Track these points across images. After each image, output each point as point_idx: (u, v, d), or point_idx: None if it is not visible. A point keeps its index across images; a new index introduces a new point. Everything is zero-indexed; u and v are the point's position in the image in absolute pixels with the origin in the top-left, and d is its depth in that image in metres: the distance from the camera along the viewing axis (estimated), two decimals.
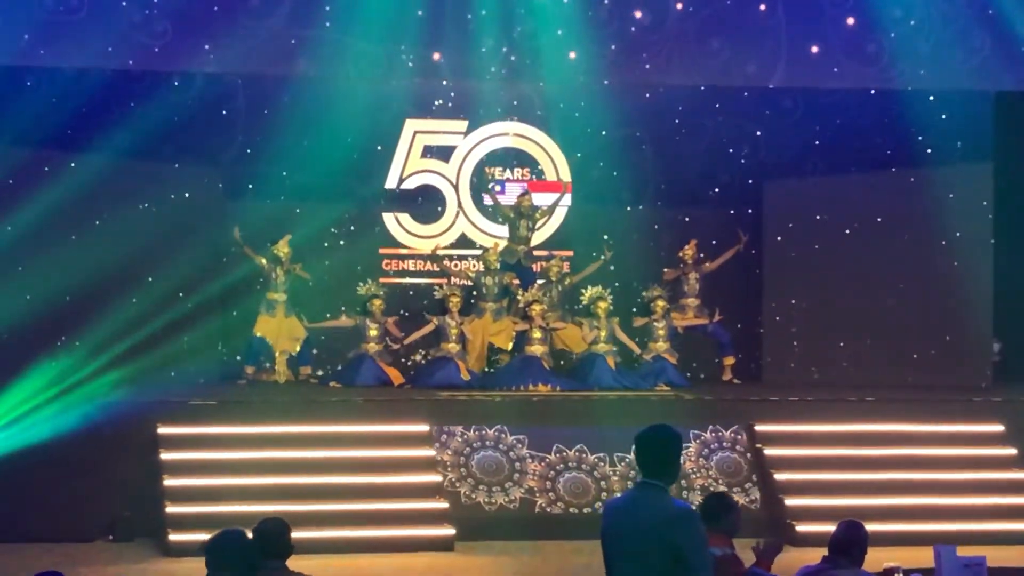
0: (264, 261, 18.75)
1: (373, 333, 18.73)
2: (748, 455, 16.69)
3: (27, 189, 17.44)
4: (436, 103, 20.05)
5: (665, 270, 19.79)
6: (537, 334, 18.57)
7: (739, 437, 16.79)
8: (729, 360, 19.81)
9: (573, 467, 16.45)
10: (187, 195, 18.74)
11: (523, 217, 19.54)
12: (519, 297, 18.97)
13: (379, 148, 20.03)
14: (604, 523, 7.31)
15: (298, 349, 18.94)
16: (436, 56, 17.79)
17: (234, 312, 19.21)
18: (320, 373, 19.29)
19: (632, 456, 16.19)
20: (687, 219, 20.36)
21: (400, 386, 18.50)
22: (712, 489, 15.82)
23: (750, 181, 20.28)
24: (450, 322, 18.69)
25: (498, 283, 19.20)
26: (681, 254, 19.75)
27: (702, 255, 19.87)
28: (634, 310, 19.63)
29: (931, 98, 19.14)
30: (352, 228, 20.00)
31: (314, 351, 19.26)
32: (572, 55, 17.98)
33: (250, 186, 19.50)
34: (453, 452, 16.40)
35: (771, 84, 18.50)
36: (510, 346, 18.92)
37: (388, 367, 18.69)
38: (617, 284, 19.65)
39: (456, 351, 18.59)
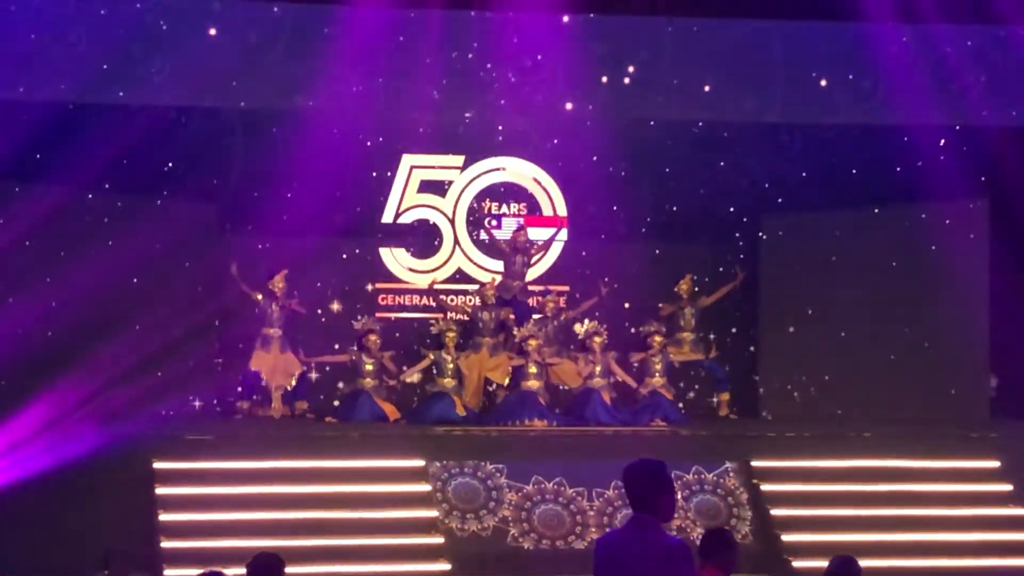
0: (260, 297, 18.76)
1: (369, 368, 18.70)
2: (729, 498, 16.59)
3: (22, 222, 17.46)
4: (433, 138, 20.05)
5: (661, 305, 19.77)
6: (533, 369, 18.55)
7: (721, 480, 16.70)
8: (724, 396, 19.80)
9: (550, 499, 16.43)
10: (184, 229, 18.73)
11: (518, 252, 19.56)
12: (515, 332, 18.96)
13: (376, 183, 20.04)
14: (596, 557, 7.29)
15: (293, 384, 18.91)
16: (434, 91, 17.81)
17: (228, 342, 19.23)
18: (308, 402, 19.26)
19: (610, 492, 16.23)
20: (684, 254, 20.33)
21: (396, 421, 18.48)
22: (688, 531, 15.80)
23: (746, 217, 20.28)
24: (446, 357, 18.68)
25: (495, 318, 19.20)
26: (677, 289, 19.75)
27: (697, 290, 19.88)
28: (632, 344, 19.59)
29: (927, 134, 19.19)
30: (348, 262, 19.98)
31: (313, 380, 19.27)
32: (569, 91, 18.01)
33: (247, 220, 19.49)
34: (431, 477, 16.41)
35: (768, 119, 18.52)
36: (506, 381, 18.90)
37: (384, 402, 18.65)
38: (607, 319, 19.57)
39: (452, 386, 18.57)
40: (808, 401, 19.63)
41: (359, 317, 19.12)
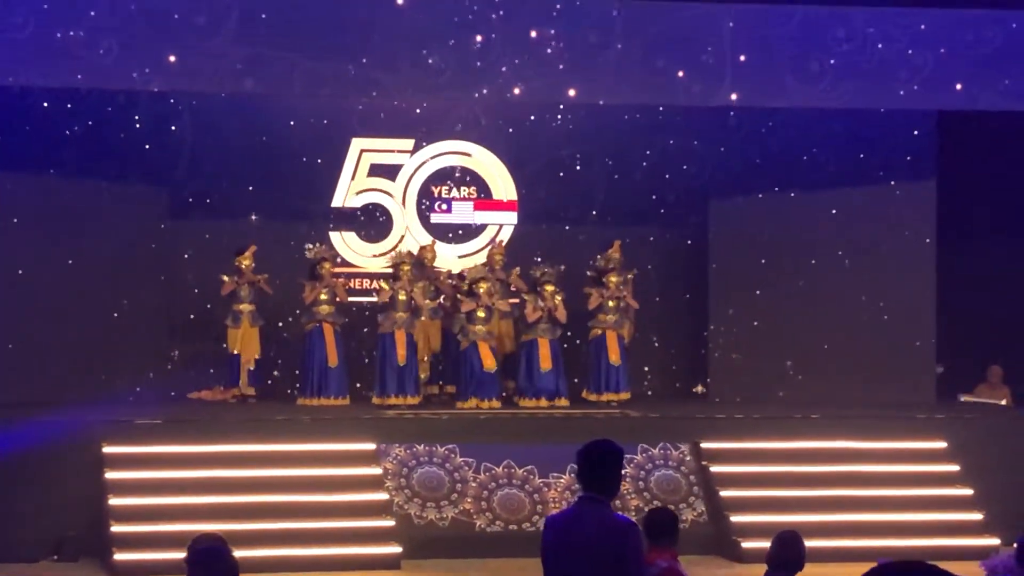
0: (226, 278, 18.59)
1: (324, 297, 18.50)
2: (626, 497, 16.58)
3: None
4: (383, 121, 20.01)
5: (590, 292, 18.94)
6: (481, 313, 18.32)
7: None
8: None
9: (437, 463, 16.57)
10: (133, 214, 18.66)
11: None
12: (465, 275, 18.80)
13: (325, 166, 19.97)
14: (546, 536, 7.34)
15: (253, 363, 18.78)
16: (385, 75, 17.76)
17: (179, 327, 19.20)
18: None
19: (501, 468, 16.39)
20: (634, 236, 20.31)
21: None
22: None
23: (695, 200, 20.31)
24: (400, 290, 18.41)
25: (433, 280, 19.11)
26: (603, 261, 19.21)
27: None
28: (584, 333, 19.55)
29: (875, 117, 19.31)
30: (299, 246, 19.85)
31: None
32: (521, 74, 17.99)
33: (196, 205, 19.41)
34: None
35: (716, 103, 18.56)
36: (439, 344, 18.83)
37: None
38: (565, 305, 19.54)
39: (403, 319, 18.38)
40: (757, 383, 19.70)
41: (311, 245, 18.95)
